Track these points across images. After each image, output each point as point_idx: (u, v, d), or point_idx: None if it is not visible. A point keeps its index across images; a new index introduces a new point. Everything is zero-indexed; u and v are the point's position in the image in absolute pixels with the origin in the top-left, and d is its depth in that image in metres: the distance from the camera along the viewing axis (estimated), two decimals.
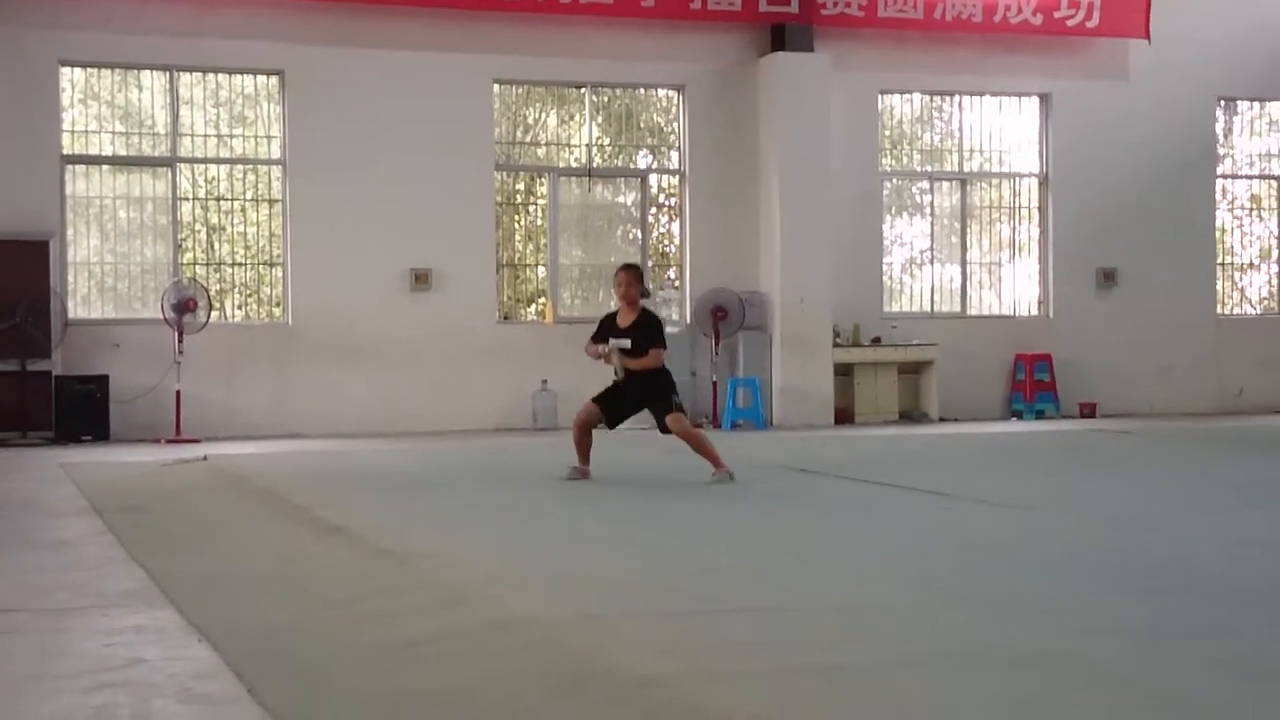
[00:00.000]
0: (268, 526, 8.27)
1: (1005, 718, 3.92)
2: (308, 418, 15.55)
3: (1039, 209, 18.19)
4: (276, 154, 16.02)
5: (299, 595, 6.09)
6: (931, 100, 18.16)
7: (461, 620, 5.34)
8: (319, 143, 15.81)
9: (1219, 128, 18.71)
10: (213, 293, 15.62)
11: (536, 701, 4.17)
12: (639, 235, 17.20)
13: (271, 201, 16.16)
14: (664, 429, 9.86)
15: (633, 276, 9.94)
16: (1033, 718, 3.92)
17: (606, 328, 9.92)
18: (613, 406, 9.94)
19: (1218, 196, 18.72)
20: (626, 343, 9.74)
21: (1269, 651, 4.70)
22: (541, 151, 17.24)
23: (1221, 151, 18.78)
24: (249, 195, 16.31)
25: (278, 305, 16.15)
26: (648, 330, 9.81)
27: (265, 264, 16.24)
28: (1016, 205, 18.31)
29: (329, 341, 15.74)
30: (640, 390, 9.86)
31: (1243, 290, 19.34)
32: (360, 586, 6.21)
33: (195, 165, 16.17)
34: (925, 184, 18.11)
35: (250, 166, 16.19)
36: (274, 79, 15.98)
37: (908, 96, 18.01)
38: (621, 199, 17.28)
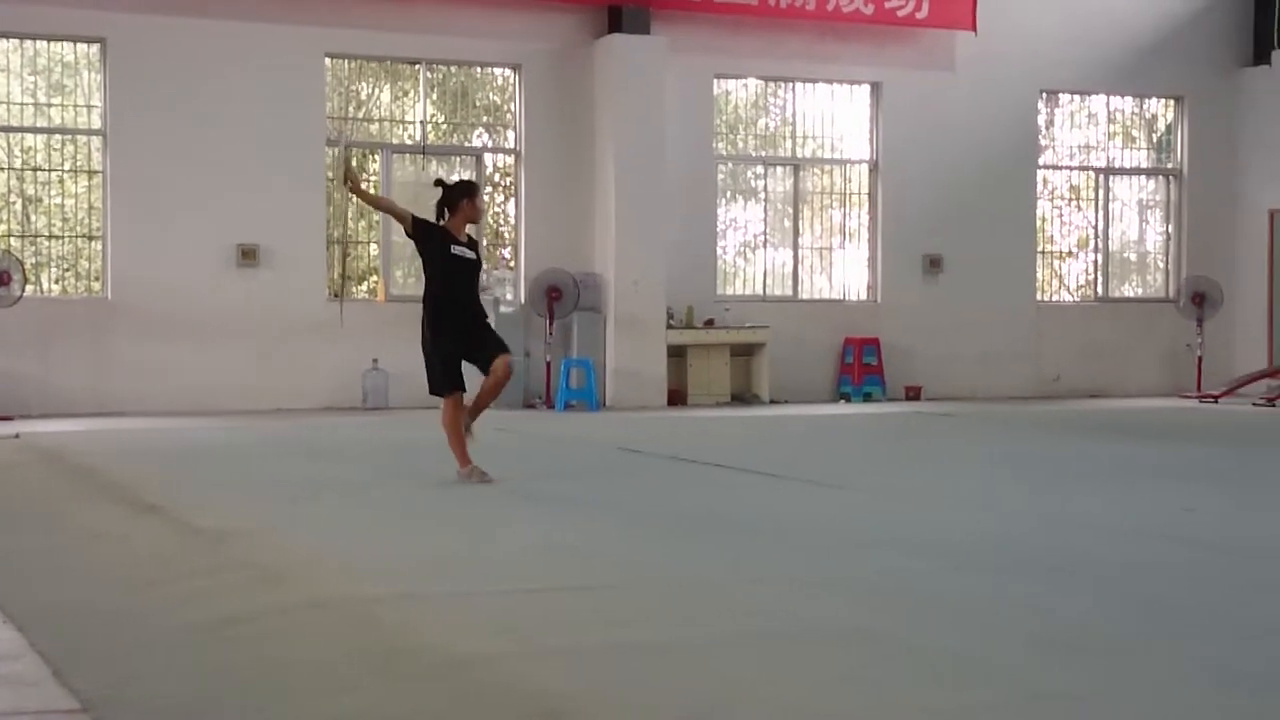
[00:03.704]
0: (81, 505, 8.04)
1: (826, 693, 3.98)
2: (128, 395, 15.14)
3: (869, 196, 18.48)
4: (97, 124, 15.54)
5: (111, 575, 5.94)
6: (766, 86, 18.33)
7: (278, 599, 5.25)
8: (142, 114, 15.37)
9: (1041, 119, 19.20)
10: (28, 266, 15.10)
11: (350, 680, 4.12)
12: None
13: (91, 173, 15.67)
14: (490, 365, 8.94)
15: None
16: (853, 692, 3.99)
17: (447, 239, 8.85)
18: (458, 373, 8.91)
19: (1039, 186, 19.23)
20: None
21: (1076, 624, 4.85)
22: (375, 128, 16.99)
23: (1043, 143, 19.28)
24: (67, 166, 15.80)
25: (97, 279, 15.68)
26: (479, 249, 9.20)
27: (84, 237, 15.75)
28: (847, 192, 18.59)
29: (151, 317, 15.33)
30: (477, 325, 8.95)
31: (1061, 277, 19.91)
32: (175, 566, 6.08)
33: (10, 134, 15.61)
34: (759, 169, 18.28)
35: (69, 137, 15.68)
36: (95, 47, 15.48)
37: (743, 81, 18.15)
38: (456, 177, 17.11)
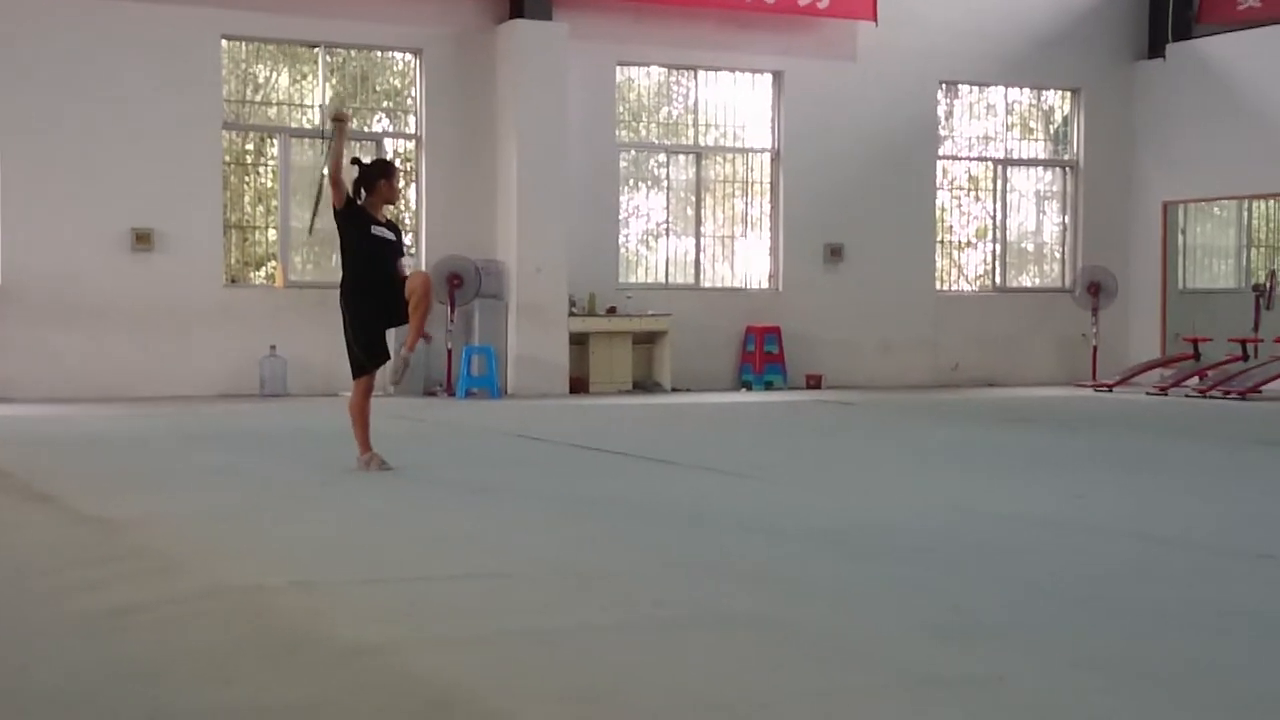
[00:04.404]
0: None
1: (718, 678, 4.00)
2: (18, 381, 14.82)
3: (771, 184, 18.58)
4: None
5: None
6: (669, 74, 18.35)
7: (172, 588, 5.18)
8: (34, 96, 15.05)
9: (940, 110, 19.42)
10: None
11: (244, 669, 4.07)
12: None
13: None
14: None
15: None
16: (745, 677, 4.01)
17: (367, 218, 8.66)
18: (381, 346, 8.79)
19: (938, 177, 19.44)
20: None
21: (968, 611, 4.91)
22: (273, 111, 16.78)
23: (942, 133, 19.50)
24: None
25: None
26: (399, 232, 9.02)
27: None
28: (750, 180, 18.67)
29: (42, 302, 15.03)
30: (393, 299, 8.66)
31: (960, 267, 20.16)
32: (67, 555, 5.97)
33: None
34: (662, 157, 18.31)
35: None
36: None
37: (646, 69, 18.16)
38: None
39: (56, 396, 14.73)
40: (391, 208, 9.06)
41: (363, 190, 8.74)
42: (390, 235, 8.78)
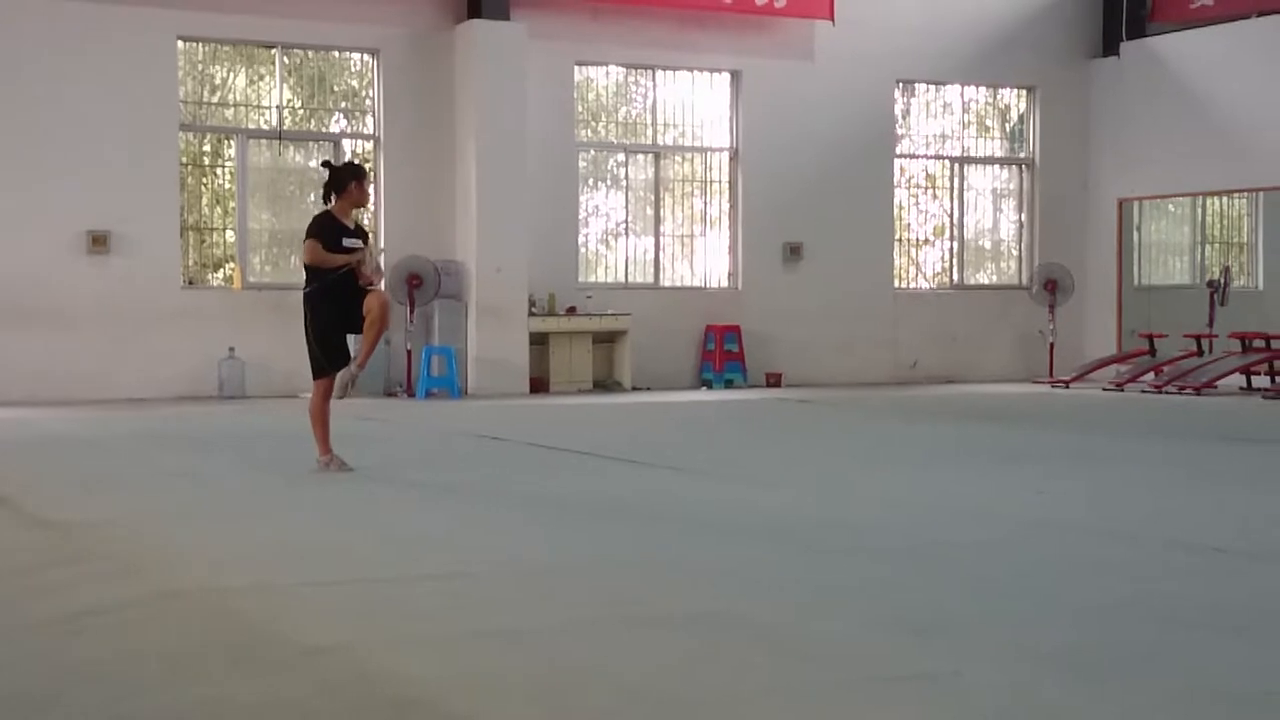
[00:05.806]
0: None
1: (678, 676, 4.02)
2: None
3: (729, 183, 18.62)
4: None
5: None
6: (628, 73, 18.36)
7: (131, 591, 5.16)
8: None
9: (898, 109, 19.51)
10: None
11: (204, 671, 4.06)
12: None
13: None
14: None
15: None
16: (705, 675, 4.03)
17: (337, 228, 8.62)
18: (342, 348, 8.79)
19: (896, 175, 19.53)
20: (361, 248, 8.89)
21: (930, 607, 4.94)
22: (230, 112, 16.69)
23: (900, 132, 19.59)
24: None
25: None
26: (367, 238, 8.96)
27: None
28: (709, 179, 18.71)
29: None
30: (355, 306, 8.63)
31: (918, 265, 20.25)
32: (24, 559, 5.94)
33: None
34: (621, 156, 18.32)
35: None
36: None
37: (604, 69, 18.16)
38: (314, 163, 16.87)
39: (12, 399, 14.60)
40: (358, 210, 9.05)
41: (333, 193, 8.74)
42: (359, 244, 8.78)
